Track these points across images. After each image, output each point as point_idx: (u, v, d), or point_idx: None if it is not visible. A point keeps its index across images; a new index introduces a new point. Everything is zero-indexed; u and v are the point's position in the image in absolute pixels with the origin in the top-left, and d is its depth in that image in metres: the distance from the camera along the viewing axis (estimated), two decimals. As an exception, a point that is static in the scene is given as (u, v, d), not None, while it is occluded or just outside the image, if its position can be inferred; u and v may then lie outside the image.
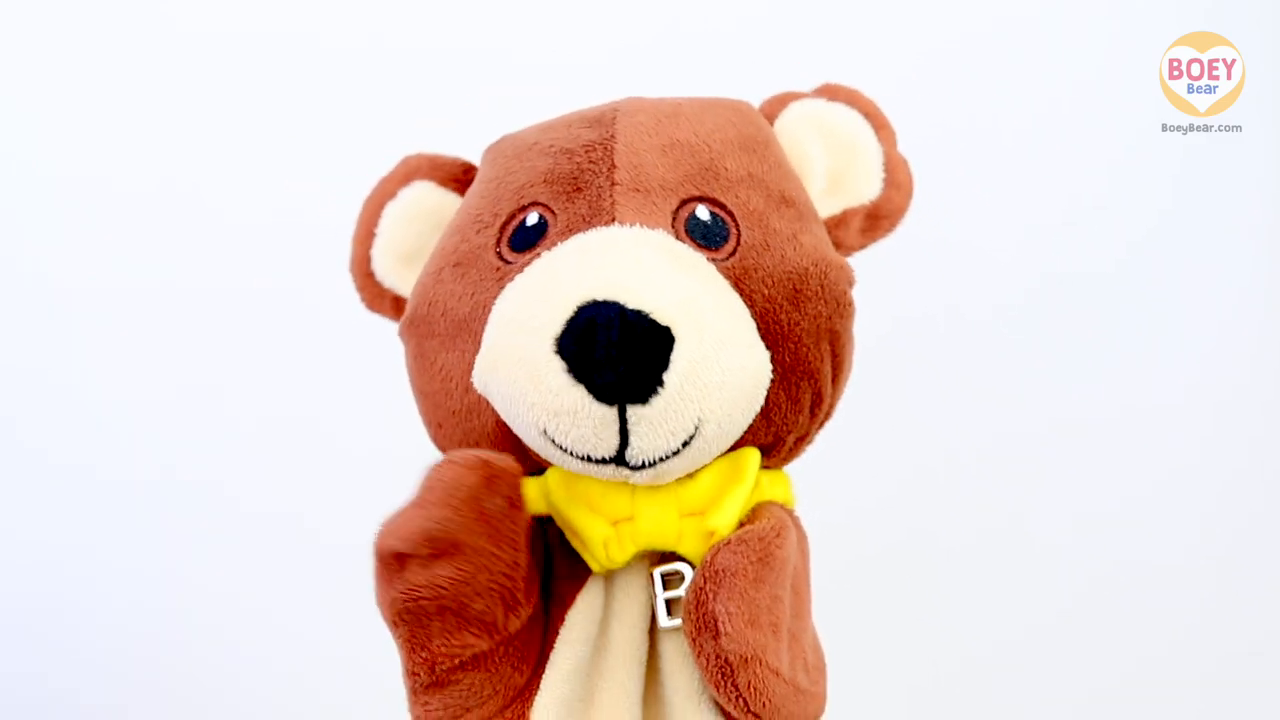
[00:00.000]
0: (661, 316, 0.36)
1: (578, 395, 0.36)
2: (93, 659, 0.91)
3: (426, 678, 0.39)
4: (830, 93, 0.48)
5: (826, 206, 0.46)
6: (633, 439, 0.37)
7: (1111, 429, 0.92)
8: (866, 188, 0.46)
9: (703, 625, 0.37)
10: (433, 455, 0.45)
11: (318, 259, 0.88)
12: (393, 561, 0.38)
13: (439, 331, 0.43)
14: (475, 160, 0.49)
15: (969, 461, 0.91)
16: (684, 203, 0.41)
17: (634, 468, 0.38)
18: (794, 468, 0.46)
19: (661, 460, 0.38)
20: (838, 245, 0.45)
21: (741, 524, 0.41)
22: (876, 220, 0.47)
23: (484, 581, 0.37)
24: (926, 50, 0.92)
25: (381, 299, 0.49)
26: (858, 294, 0.44)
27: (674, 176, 0.42)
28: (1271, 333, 0.94)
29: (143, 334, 0.92)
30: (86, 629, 0.92)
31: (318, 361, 0.89)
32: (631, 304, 0.36)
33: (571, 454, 0.38)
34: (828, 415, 0.44)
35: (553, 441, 0.38)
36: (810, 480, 0.46)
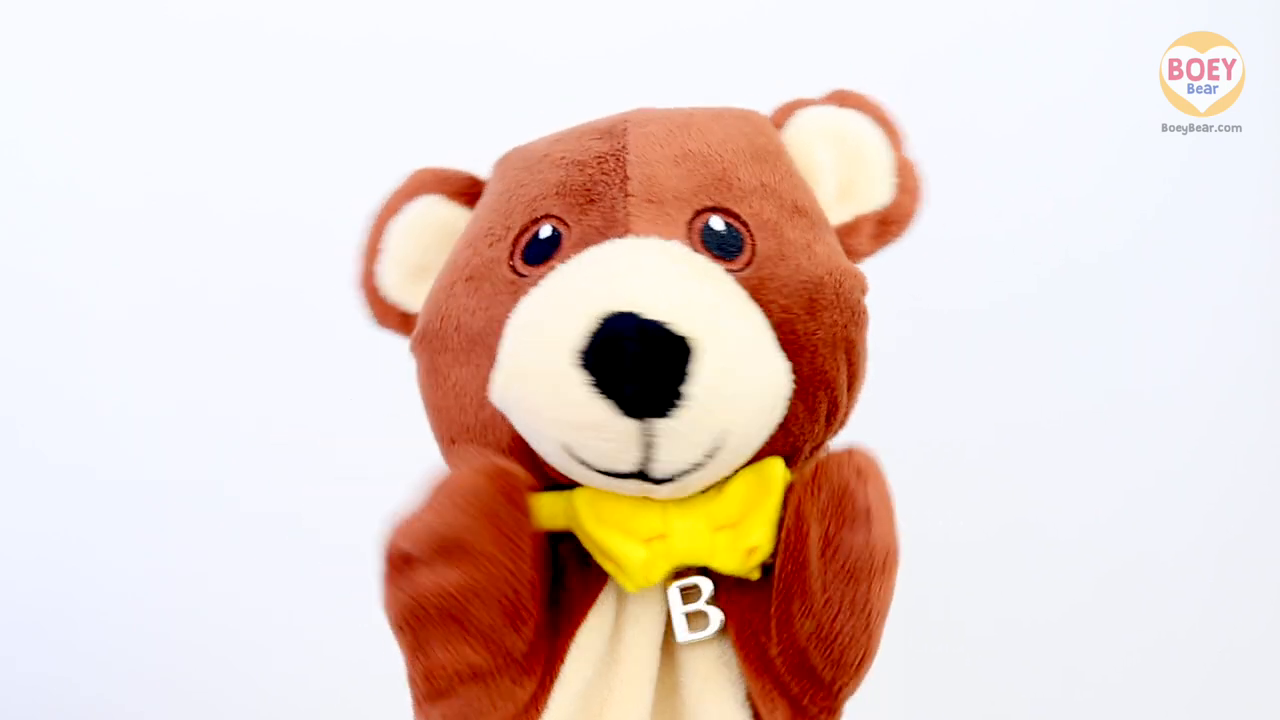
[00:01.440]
0: (682, 327, 0.36)
1: (601, 409, 0.36)
2: (94, 655, 0.91)
3: (425, 686, 0.38)
4: (839, 98, 0.47)
5: (838, 213, 0.45)
6: (657, 452, 0.37)
7: (1112, 428, 0.92)
8: (877, 193, 0.46)
9: (855, 517, 0.36)
10: (438, 464, 0.45)
11: (320, 260, 0.89)
12: (400, 563, 0.37)
13: (452, 346, 0.42)
14: (482, 171, 0.49)
15: (968, 459, 0.91)
16: (698, 213, 0.41)
17: (657, 481, 0.38)
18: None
19: (685, 473, 0.38)
20: (850, 252, 0.45)
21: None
22: (887, 226, 0.46)
23: (491, 592, 0.37)
24: (927, 50, 0.92)
25: (389, 315, 0.48)
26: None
27: (687, 187, 0.41)
28: (1271, 332, 0.94)
29: (144, 335, 0.92)
30: (88, 627, 0.92)
31: (319, 362, 0.89)
32: (651, 315, 0.35)
33: (594, 469, 0.38)
34: (842, 424, 0.44)
35: (575, 457, 0.38)
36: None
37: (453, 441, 0.43)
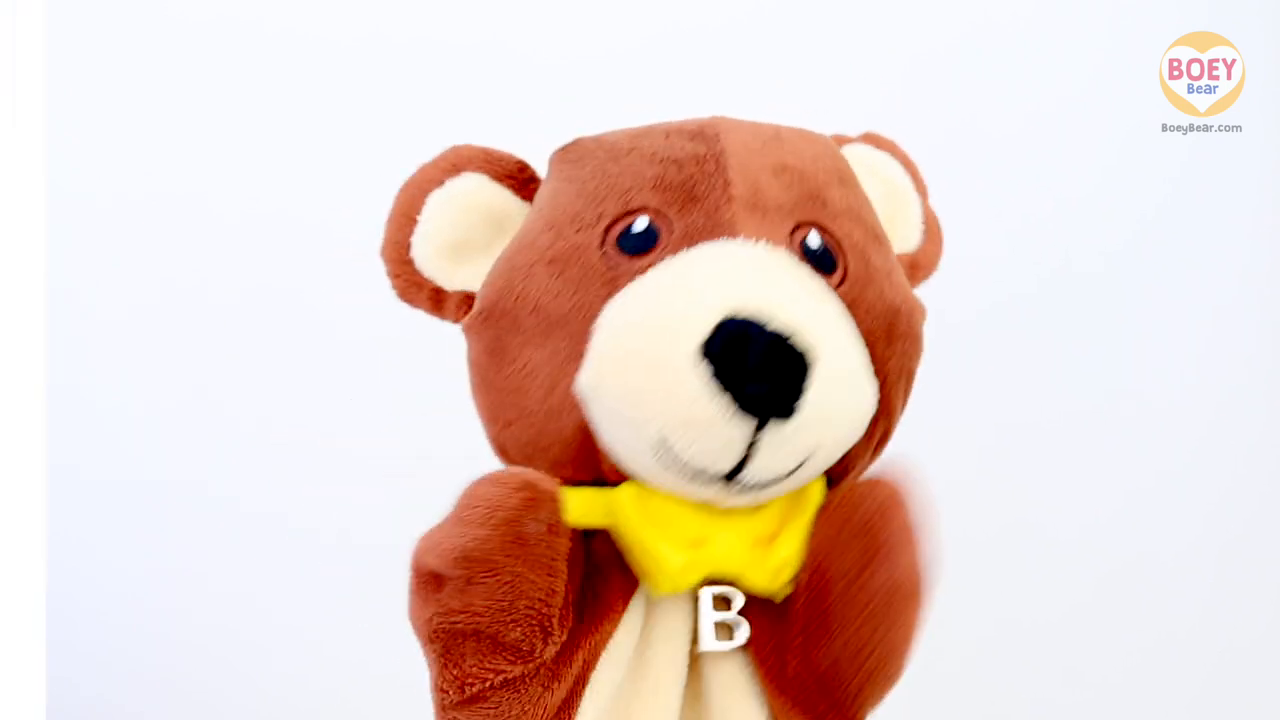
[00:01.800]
0: (805, 340, 0.36)
1: (717, 405, 0.36)
2: (94, 655, 0.91)
3: (456, 696, 0.38)
4: (874, 141, 0.48)
5: None
6: (756, 457, 0.37)
7: (1112, 428, 0.92)
8: (910, 236, 0.47)
9: (874, 555, 0.37)
10: (479, 451, 0.44)
11: (320, 260, 0.89)
12: (429, 580, 0.37)
13: (526, 327, 0.41)
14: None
15: (968, 459, 0.90)
16: (798, 226, 0.41)
17: (743, 488, 0.38)
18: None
19: (773, 482, 0.38)
20: None
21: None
22: (915, 270, 0.47)
23: (521, 608, 0.37)
24: (927, 50, 0.92)
25: (418, 289, 0.45)
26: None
27: (788, 199, 0.41)
28: (1271, 332, 0.94)
29: (144, 335, 0.92)
30: (88, 627, 0.92)
31: (319, 362, 0.89)
32: (778, 322, 0.36)
33: (686, 467, 0.37)
34: (879, 452, 0.45)
35: (670, 452, 0.37)
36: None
37: (509, 424, 0.42)
